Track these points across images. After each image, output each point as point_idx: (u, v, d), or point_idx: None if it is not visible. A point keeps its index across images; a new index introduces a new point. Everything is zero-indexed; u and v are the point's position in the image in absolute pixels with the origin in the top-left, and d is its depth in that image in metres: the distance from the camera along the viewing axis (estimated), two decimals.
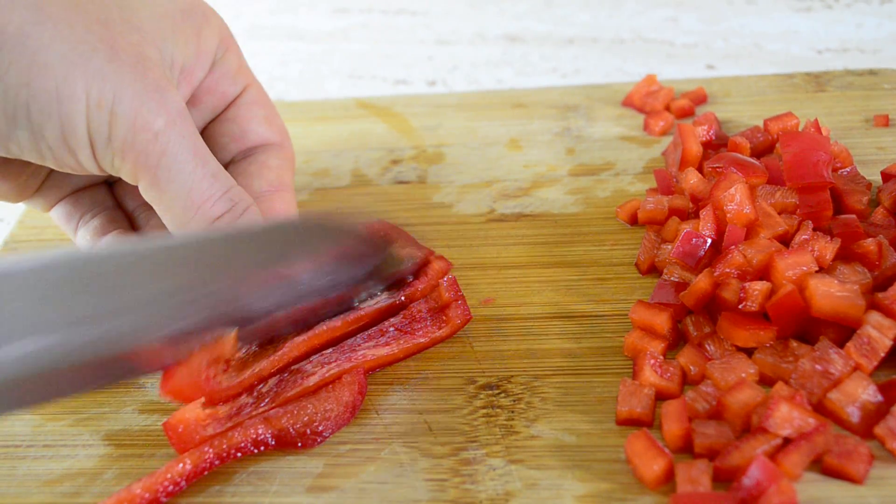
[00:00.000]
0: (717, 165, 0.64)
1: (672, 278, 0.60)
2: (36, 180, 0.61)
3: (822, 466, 0.48)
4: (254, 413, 0.54)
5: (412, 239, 0.66)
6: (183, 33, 0.57)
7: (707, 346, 0.56)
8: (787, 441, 0.48)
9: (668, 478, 0.49)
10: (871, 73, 0.81)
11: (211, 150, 0.65)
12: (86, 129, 0.51)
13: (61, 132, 0.51)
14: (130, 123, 0.51)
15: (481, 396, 0.56)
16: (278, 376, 0.57)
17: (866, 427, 0.49)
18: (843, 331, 0.53)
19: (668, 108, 0.80)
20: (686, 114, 0.80)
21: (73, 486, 0.53)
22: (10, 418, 0.58)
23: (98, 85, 0.50)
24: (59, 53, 0.49)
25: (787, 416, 0.48)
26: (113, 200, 0.65)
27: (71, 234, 0.64)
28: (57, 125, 0.50)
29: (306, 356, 0.58)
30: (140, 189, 0.55)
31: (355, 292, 0.58)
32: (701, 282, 0.56)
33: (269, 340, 0.56)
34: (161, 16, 0.56)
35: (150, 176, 0.53)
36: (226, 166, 0.63)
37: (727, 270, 0.56)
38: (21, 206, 0.78)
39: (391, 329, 0.59)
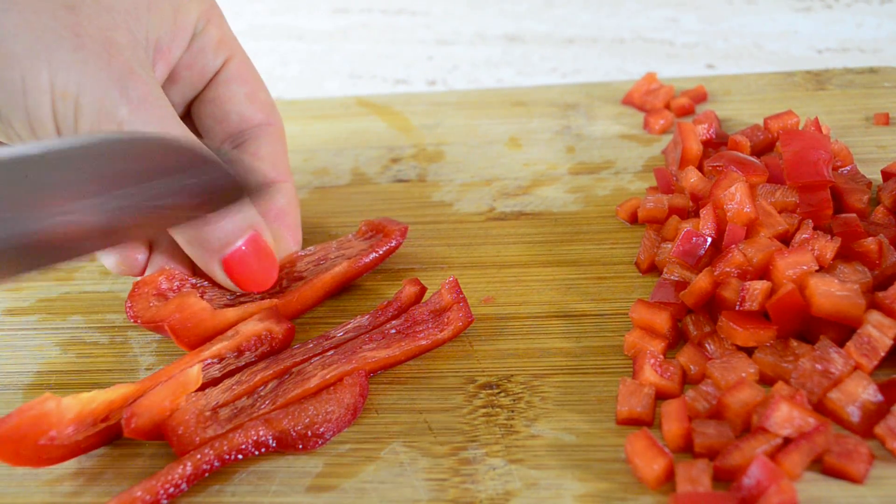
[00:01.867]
0: (717, 164, 0.64)
1: (672, 277, 0.59)
2: None
3: (822, 466, 0.48)
4: (254, 415, 0.54)
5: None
6: (159, 9, 0.56)
7: (707, 345, 0.56)
8: (787, 441, 0.48)
9: (668, 477, 0.48)
10: (872, 71, 0.81)
11: (197, 134, 0.64)
12: (52, 120, 0.50)
13: (28, 122, 0.50)
14: (95, 114, 0.51)
15: (481, 396, 0.56)
16: (278, 378, 0.57)
17: (866, 427, 0.49)
18: (843, 330, 0.53)
19: (668, 107, 0.80)
20: (686, 112, 0.80)
21: (73, 486, 0.53)
22: None
23: (63, 75, 0.50)
24: (24, 43, 0.49)
25: (788, 416, 0.48)
26: None
27: None
28: (24, 116, 0.50)
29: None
30: None
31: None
32: (701, 281, 0.56)
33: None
34: None
35: None
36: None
37: (727, 269, 0.56)
38: None
39: (392, 331, 0.59)
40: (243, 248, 0.58)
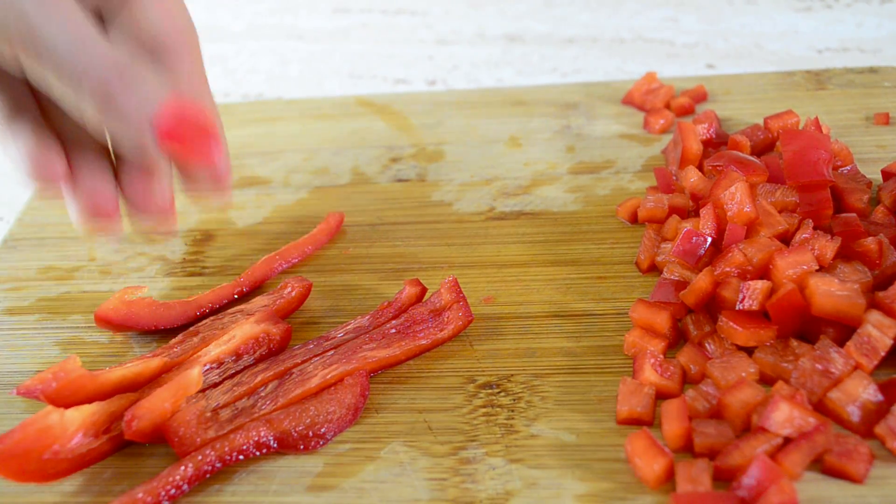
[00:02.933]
0: (717, 164, 0.64)
1: (672, 277, 0.59)
2: None
3: (822, 466, 0.48)
4: (255, 415, 0.54)
5: None
6: None
7: (707, 345, 0.56)
8: (787, 440, 0.48)
9: (669, 477, 0.48)
10: (872, 70, 0.81)
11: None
12: None
13: None
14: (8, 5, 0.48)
15: (481, 395, 0.56)
16: (279, 379, 0.57)
17: (867, 426, 0.49)
18: (843, 330, 0.53)
19: (668, 106, 0.80)
20: (686, 112, 0.80)
21: (72, 486, 0.53)
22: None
23: None
24: None
25: (788, 416, 0.48)
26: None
27: None
28: None
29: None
30: (33, 81, 0.52)
31: None
32: (701, 280, 0.56)
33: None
34: None
35: (32, 58, 0.49)
36: None
37: (727, 269, 0.56)
38: (20, 206, 0.78)
39: (392, 330, 0.59)
40: (171, 108, 0.52)
